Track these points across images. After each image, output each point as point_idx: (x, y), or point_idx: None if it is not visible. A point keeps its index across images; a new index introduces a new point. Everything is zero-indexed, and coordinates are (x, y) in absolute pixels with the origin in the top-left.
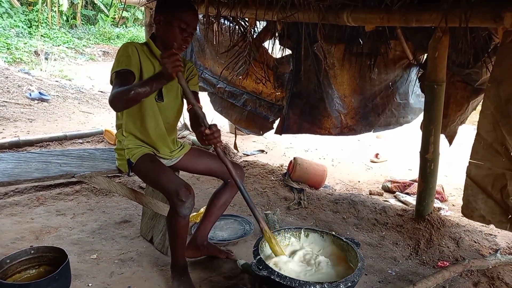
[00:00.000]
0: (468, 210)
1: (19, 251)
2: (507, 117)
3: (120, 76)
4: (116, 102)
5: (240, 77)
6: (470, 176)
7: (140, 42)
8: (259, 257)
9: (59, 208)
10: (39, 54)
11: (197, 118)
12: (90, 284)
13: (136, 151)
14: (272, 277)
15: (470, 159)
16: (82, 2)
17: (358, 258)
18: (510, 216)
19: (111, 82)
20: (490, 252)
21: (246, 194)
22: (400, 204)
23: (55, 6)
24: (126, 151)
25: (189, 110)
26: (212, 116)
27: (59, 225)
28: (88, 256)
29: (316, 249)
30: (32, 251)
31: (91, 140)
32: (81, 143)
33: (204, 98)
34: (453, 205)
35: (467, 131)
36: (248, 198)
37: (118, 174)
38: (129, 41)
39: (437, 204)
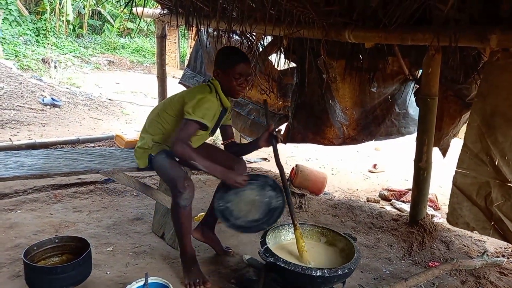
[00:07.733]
0: (453, 217)
1: (45, 239)
2: (492, 129)
3: (194, 125)
4: (178, 154)
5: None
6: (456, 184)
7: (211, 86)
8: (266, 246)
9: (75, 205)
10: (46, 62)
11: (231, 148)
12: (108, 272)
13: (156, 147)
14: (278, 263)
15: (456, 168)
16: (89, 12)
17: (355, 250)
18: (492, 222)
19: (187, 113)
20: (477, 255)
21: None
22: (396, 210)
23: (62, 16)
24: (147, 148)
25: (225, 146)
26: None
27: (76, 220)
28: (104, 248)
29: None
30: (56, 240)
31: (102, 144)
32: (93, 146)
33: None
34: (446, 213)
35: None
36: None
37: (136, 172)
38: (202, 89)
39: (430, 212)
